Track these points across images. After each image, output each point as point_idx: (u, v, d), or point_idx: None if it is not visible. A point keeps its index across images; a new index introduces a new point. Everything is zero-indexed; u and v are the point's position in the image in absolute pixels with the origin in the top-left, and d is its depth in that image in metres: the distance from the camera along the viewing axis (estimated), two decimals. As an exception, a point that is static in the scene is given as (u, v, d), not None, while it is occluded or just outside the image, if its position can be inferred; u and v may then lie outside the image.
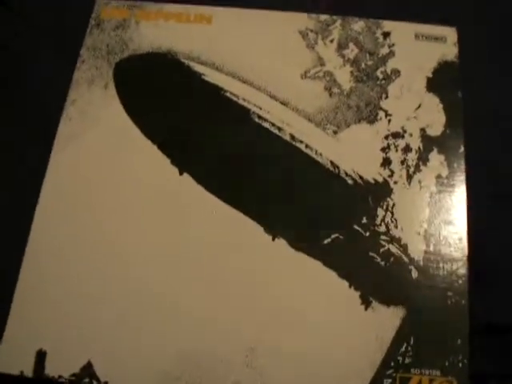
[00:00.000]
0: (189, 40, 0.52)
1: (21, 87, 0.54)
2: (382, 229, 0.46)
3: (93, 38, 0.53)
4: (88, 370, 0.43)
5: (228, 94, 0.50)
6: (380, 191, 0.47)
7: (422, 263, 0.45)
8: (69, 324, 0.44)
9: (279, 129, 0.48)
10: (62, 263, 0.45)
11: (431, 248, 0.45)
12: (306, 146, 0.48)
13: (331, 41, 0.52)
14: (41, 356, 0.43)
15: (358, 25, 0.53)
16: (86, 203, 0.47)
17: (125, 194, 0.47)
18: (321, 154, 0.48)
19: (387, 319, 0.44)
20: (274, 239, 0.45)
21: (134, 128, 0.49)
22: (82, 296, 0.44)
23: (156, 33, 0.53)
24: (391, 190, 0.47)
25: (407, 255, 0.45)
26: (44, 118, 0.51)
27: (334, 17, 0.53)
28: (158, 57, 0.52)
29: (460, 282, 0.44)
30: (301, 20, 0.53)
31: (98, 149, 0.49)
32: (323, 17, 0.53)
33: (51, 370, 0.43)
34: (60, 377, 0.43)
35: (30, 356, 0.43)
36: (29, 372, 0.43)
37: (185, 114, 0.50)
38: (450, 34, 0.52)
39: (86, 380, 0.43)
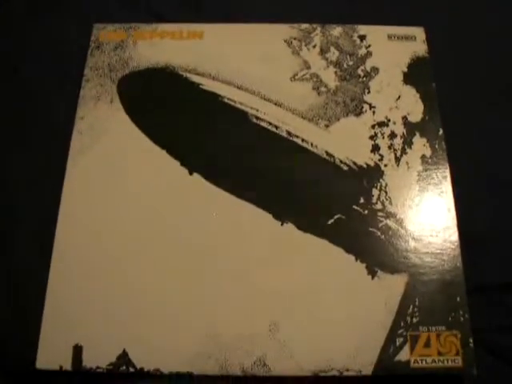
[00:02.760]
0: (184, 54, 0.59)
1: (32, 109, 0.59)
2: (379, 206, 0.52)
3: (94, 58, 0.59)
4: (124, 358, 0.47)
5: (226, 100, 0.56)
6: (373, 174, 0.53)
7: (417, 233, 0.51)
8: (102, 317, 0.48)
9: (276, 127, 0.55)
10: (88, 260, 0.50)
11: (424, 219, 0.52)
12: (303, 140, 0.54)
13: (314, 46, 0.59)
14: (78, 350, 0.47)
15: (337, 30, 0.61)
16: (104, 206, 0.52)
17: (140, 195, 0.53)
18: (316, 146, 0.54)
19: (393, 285, 0.50)
20: (282, 224, 0.51)
21: (141, 136, 0.55)
22: (110, 290, 0.49)
23: (153, 50, 0.59)
24: (382, 172, 0.54)
25: (403, 227, 0.51)
26: (56, 135, 0.56)
27: (314, 25, 0.61)
28: (157, 71, 0.58)
29: (453, 247, 0.51)
30: (284, 30, 0.60)
31: (109, 158, 0.54)
32: (304, 26, 0.60)
33: (89, 361, 0.47)
34: (98, 367, 0.47)
35: (68, 351, 0.47)
36: (68, 366, 0.47)
37: (188, 120, 0.56)
38: (419, 33, 0.61)
39: (123, 368, 0.47)
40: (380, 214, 0.52)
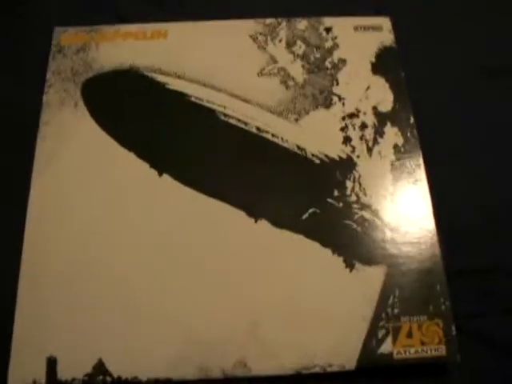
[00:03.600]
0: (148, 55, 0.58)
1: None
2: (353, 198, 0.52)
3: (56, 62, 0.58)
4: (100, 367, 0.46)
5: (193, 99, 0.55)
6: (345, 166, 0.53)
7: (393, 224, 0.51)
8: (75, 326, 0.47)
9: (245, 123, 0.54)
10: (59, 268, 0.49)
11: (400, 209, 0.52)
12: (273, 135, 0.54)
13: (280, 41, 0.59)
14: (51, 362, 0.46)
15: (302, 24, 0.60)
16: (74, 213, 0.51)
17: (110, 200, 0.52)
18: (287, 141, 0.54)
19: (371, 277, 0.49)
20: (256, 221, 0.50)
21: (108, 139, 0.54)
22: (83, 298, 0.48)
23: (116, 52, 0.58)
24: (355, 163, 0.53)
25: (379, 218, 0.51)
26: (20, 142, 0.55)
27: (279, 19, 0.60)
28: (122, 73, 0.57)
29: (430, 235, 0.51)
30: (249, 26, 0.60)
31: (77, 164, 0.53)
32: (269, 20, 0.60)
33: (64, 373, 0.46)
34: (74, 379, 0.46)
35: (41, 363, 0.46)
36: (42, 380, 0.46)
37: (155, 121, 0.55)
38: (385, 22, 0.60)
39: (100, 378, 0.46)
40: (355, 205, 0.52)
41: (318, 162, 0.53)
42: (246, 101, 0.56)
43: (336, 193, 0.52)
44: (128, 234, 0.50)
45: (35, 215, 0.51)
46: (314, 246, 0.50)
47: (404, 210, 0.52)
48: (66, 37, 0.59)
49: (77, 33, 0.59)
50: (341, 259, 0.50)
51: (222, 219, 0.51)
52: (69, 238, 0.51)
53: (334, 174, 0.53)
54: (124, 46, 0.59)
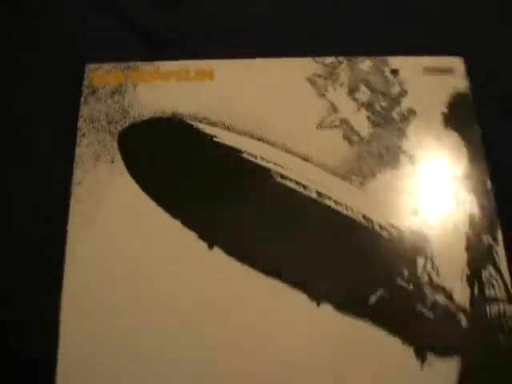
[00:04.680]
0: (193, 100, 0.52)
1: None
2: (425, 279, 0.47)
3: (89, 108, 0.51)
4: None
5: (245, 155, 0.50)
6: (416, 240, 0.48)
7: (469, 309, 0.46)
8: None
9: (304, 187, 0.49)
10: (97, 344, 0.44)
11: (476, 292, 0.47)
12: (335, 202, 0.48)
13: (341, 85, 0.53)
14: None
15: (365, 64, 0.54)
16: (113, 289, 0.46)
17: (152, 274, 0.47)
18: (351, 209, 0.48)
19: (446, 370, 0.45)
20: (318, 305, 0.46)
21: (150, 203, 0.48)
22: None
23: (156, 95, 0.52)
24: (427, 237, 0.48)
25: (454, 303, 0.46)
26: (50, 205, 0.49)
27: (340, 58, 0.54)
28: (163, 121, 0.51)
29: (510, 323, 0.46)
30: (307, 65, 0.53)
31: (115, 231, 0.48)
32: (329, 59, 0.54)
33: None
34: None
35: None
36: None
37: (202, 182, 0.49)
38: (457, 64, 0.54)
39: None
40: (427, 288, 0.47)
41: (386, 235, 0.48)
42: (304, 159, 0.50)
43: (406, 272, 0.47)
44: (171, 313, 0.46)
45: (71, 288, 0.46)
46: (381, 334, 0.45)
47: (481, 293, 0.47)
48: (99, 75, 0.53)
49: (111, 70, 0.53)
50: (411, 349, 0.45)
51: (281, 302, 0.46)
52: (106, 311, 0.46)
53: (403, 250, 0.48)
54: (165, 88, 0.52)
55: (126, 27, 0.56)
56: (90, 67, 0.53)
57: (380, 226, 0.48)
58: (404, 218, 0.49)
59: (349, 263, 0.47)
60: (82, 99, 0.52)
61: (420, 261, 0.47)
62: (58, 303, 0.46)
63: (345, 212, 0.48)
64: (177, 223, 0.48)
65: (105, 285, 0.46)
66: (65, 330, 0.45)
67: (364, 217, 0.48)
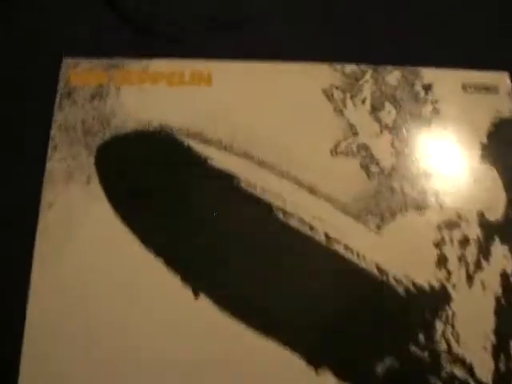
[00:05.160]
0: (186, 109, 0.44)
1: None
2: (443, 347, 0.40)
3: (64, 113, 0.44)
4: None
5: (242, 185, 0.42)
6: (437, 299, 0.41)
7: (492, 386, 0.40)
8: None
9: (311, 227, 0.41)
10: None
11: (501, 366, 0.40)
12: (346, 248, 0.41)
13: (363, 101, 0.44)
14: None
15: (393, 76, 0.45)
16: (81, 332, 0.40)
17: (130, 318, 0.41)
18: (364, 258, 0.41)
19: None
20: (317, 372, 0.39)
21: (130, 237, 0.41)
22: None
23: (143, 101, 0.44)
24: (450, 296, 0.41)
25: (474, 378, 0.40)
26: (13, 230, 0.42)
27: (363, 66, 0.45)
28: (149, 136, 0.43)
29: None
30: (323, 73, 0.45)
31: (87, 265, 0.41)
32: (350, 67, 0.45)
33: None
34: None
35: None
36: None
37: (191, 214, 0.42)
38: (502, 80, 0.45)
39: None
40: (444, 357, 0.40)
41: (401, 291, 0.41)
42: (312, 191, 0.42)
43: (422, 338, 0.40)
44: (148, 363, 0.39)
45: (34, 331, 0.40)
46: (388, 411, 0.39)
47: (508, 368, 0.40)
48: (78, 73, 0.45)
49: (92, 68, 0.45)
50: (421, 428, 0.39)
51: (276, 366, 0.39)
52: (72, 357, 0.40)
53: (421, 311, 0.41)
54: (153, 94, 0.45)
55: (112, 14, 0.47)
56: (67, 62, 0.45)
57: (396, 280, 0.41)
58: (425, 270, 0.42)
59: (354, 322, 0.41)
60: (57, 102, 0.44)
61: (439, 324, 0.41)
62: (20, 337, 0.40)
63: (356, 260, 0.41)
64: (159, 262, 0.41)
65: (72, 331, 0.40)
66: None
67: (378, 267, 0.41)
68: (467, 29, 0.47)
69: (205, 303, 0.40)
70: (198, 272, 0.41)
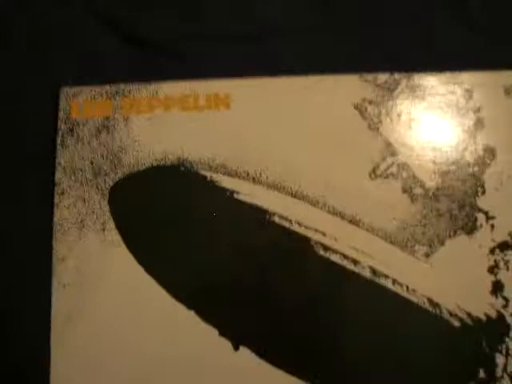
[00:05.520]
0: (205, 138, 0.39)
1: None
2: (506, 382, 0.37)
3: (68, 152, 0.39)
4: None
5: (276, 219, 0.38)
6: (495, 330, 0.38)
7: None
8: None
9: (354, 262, 0.38)
10: None
11: None
12: (394, 282, 0.38)
13: (399, 115, 0.40)
14: None
15: (430, 83, 0.41)
16: None
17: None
18: (414, 291, 0.38)
19: None
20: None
21: (156, 288, 0.37)
22: None
23: (155, 132, 0.39)
24: (509, 325, 0.38)
25: (541, 414, 0.37)
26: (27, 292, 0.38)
27: (397, 75, 0.41)
28: (167, 172, 0.39)
29: None
30: (352, 86, 0.40)
31: (108, 322, 0.37)
32: (382, 77, 0.40)
33: None
34: None
35: None
36: None
37: (219, 257, 0.38)
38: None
39: None
40: (507, 395, 0.37)
41: (457, 324, 0.38)
42: (353, 222, 0.38)
43: (481, 374, 0.37)
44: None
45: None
46: None
47: None
48: (79, 103, 0.40)
49: (94, 96, 0.39)
50: None
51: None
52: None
53: (478, 344, 0.38)
54: (166, 122, 0.40)
55: (111, 32, 0.41)
56: (65, 91, 0.39)
57: (449, 313, 0.38)
58: (481, 300, 0.38)
59: (406, 360, 0.37)
60: (59, 140, 0.39)
61: (499, 358, 0.38)
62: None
63: (405, 295, 0.38)
64: (191, 315, 0.37)
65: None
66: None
67: (430, 301, 0.38)
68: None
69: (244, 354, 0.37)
70: (239, 325, 0.37)
